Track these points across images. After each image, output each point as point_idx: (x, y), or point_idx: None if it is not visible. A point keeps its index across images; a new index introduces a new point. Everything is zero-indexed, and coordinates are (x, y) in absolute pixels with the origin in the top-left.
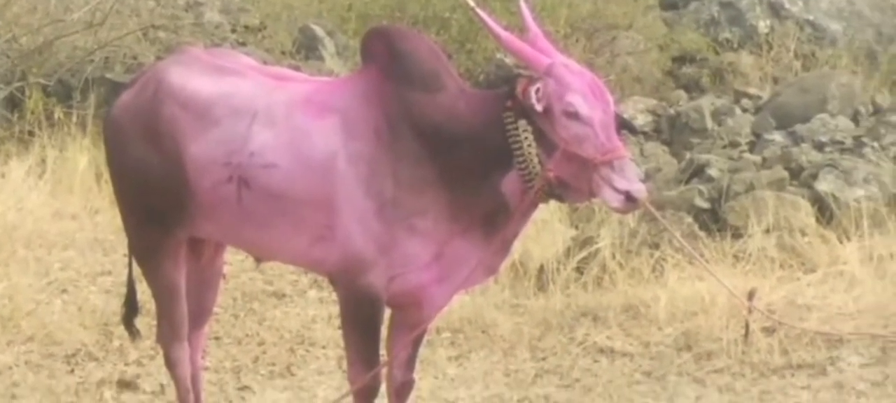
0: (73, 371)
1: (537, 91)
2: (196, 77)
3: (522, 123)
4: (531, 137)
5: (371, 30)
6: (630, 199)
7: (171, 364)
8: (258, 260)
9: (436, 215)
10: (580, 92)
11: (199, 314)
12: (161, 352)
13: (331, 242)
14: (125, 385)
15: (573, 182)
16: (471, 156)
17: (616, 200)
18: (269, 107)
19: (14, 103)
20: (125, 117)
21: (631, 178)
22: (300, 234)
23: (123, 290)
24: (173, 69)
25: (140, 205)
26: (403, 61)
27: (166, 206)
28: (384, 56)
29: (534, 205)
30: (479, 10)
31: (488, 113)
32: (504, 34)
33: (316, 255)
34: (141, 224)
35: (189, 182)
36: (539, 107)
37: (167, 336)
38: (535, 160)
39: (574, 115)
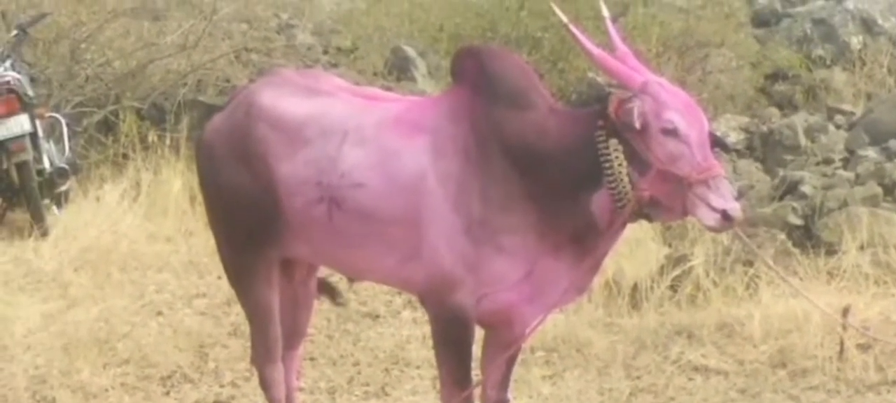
0: (168, 393)
1: (635, 109)
2: (287, 98)
3: (613, 142)
4: (622, 156)
5: (462, 49)
6: (726, 218)
7: (265, 385)
8: (351, 279)
9: (524, 234)
10: (677, 109)
11: (294, 335)
12: (256, 374)
13: (419, 261)
14: None
15: (666, 201)
16: (560, 175)
17: (712, 219)
18: (360, 127)
19: (108, 127)
20: (217, 139)
21: (726, 197)
22: (390, 254)
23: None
24: (264, 91)
25: (232, 227)
26: (494, 80)
27: (258, 227)
28: (475, 75)
29: (624, 225)
30: (572, 27)
31: (579, 131)
32: (597, 52)
33: (406, 274)
34: (234, 245)
35: (280, 202)
36: (637, 125)
37: (262, 357)
38: (626, 179)
39: (672, 133)
